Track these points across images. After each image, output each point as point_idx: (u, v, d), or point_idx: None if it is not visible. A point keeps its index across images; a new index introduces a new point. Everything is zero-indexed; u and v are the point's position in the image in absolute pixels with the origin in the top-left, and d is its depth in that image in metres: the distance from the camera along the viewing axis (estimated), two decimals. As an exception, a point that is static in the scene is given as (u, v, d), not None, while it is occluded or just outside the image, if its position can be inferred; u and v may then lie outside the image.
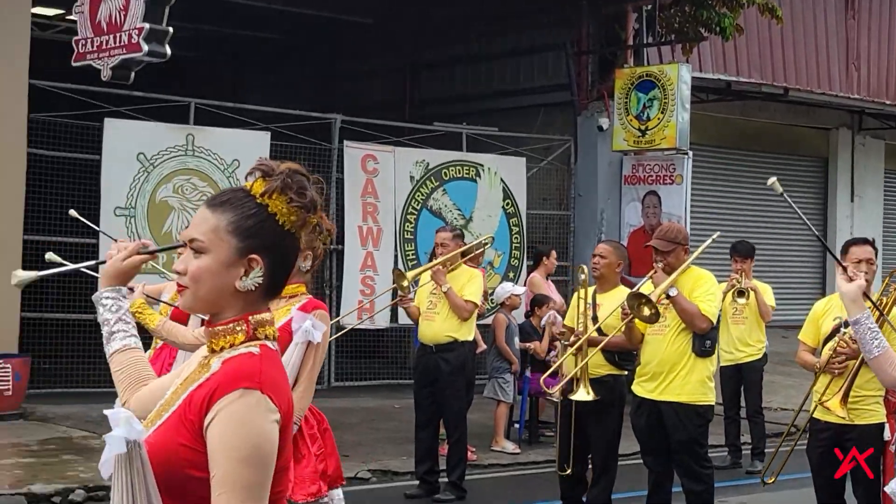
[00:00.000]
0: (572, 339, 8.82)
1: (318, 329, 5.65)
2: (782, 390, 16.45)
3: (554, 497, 9.46)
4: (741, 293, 12.13)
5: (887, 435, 7.29)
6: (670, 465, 8.51)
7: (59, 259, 4.87)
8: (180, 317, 7.08)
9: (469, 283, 10.50)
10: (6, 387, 12.69)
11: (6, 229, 13.11)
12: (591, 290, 9.02)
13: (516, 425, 13.16)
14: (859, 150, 23.83)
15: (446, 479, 10.41)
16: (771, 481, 8.35)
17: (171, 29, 12.67)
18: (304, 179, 2.81)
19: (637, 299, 8.10)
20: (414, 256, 16.44)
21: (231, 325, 2.77)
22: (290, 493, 5.84)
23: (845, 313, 5.78)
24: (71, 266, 3.41)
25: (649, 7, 17.53)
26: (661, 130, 16.88)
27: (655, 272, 8.39)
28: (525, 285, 14.29)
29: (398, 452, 11.88)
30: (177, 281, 2.82)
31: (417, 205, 16.72)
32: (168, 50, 12.71)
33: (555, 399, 9.73)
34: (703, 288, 8.32)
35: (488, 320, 13.72)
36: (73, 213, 8.82)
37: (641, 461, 8.84)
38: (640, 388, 8.48)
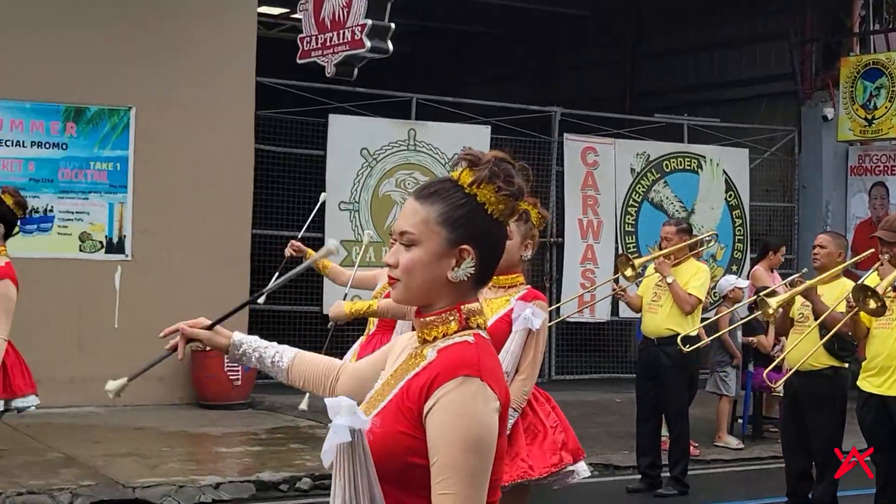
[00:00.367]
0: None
1: (537, 317, 5.64)
2: None
3: (779, 493, 9.29)
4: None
5: None
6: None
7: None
8: None
9: (694, 277, 10.33)
10: (236, 377, 13.08)
11: (236, 224, 13.49)
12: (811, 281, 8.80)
13: (740, 420, 12.94)
14: None
15: (668, 474, 10.31)
16: None
17: (393, 25, 12.87)
18: (510, 167, 2.78)
19: (863, 292, 7.85)
20: (635, 249, 16.30)
21: (444, 314, 2.77)
22: (529, 473, 5.81)
23: None
24: (160, 358, 3.37)
25: (876, -8, 17.12)
26: (889, 119, 16.47)
27: (882, 264, 8.15)
28: (748, 278, 14.04)
29: (619, 446, 11.78)
30: (388, 273, 2.84)
31: (638, 197, 16.60)
32: (390, 46, 12.90)
33: (778, 393, 9.54)
34: (934, 279, 8.04)
35: (711, 313, 13.52)
36: (323, 196, 9.67)
37: (869, 459, 8.59)
38: (867, 384, 8.21)
